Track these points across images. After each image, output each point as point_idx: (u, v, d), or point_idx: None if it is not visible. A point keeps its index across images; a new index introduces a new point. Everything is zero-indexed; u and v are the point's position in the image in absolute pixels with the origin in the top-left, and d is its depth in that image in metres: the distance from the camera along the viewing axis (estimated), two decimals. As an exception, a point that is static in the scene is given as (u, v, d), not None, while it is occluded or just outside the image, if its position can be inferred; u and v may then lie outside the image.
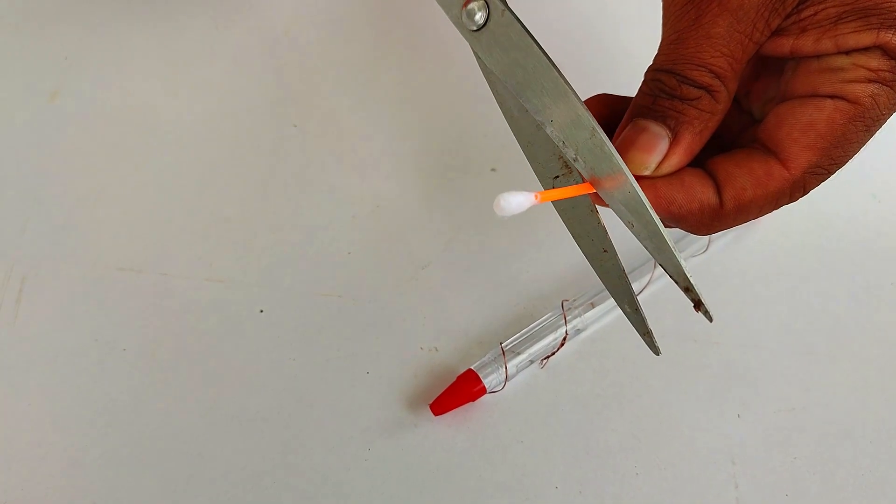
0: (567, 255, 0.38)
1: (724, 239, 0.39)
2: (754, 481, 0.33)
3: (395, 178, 0.40)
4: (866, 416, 0.35)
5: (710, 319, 0.27)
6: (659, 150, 0.27)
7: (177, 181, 0.40)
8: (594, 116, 0.32)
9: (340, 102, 0.43)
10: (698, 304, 0.26)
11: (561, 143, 0.27)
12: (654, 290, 0.37)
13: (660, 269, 0.37)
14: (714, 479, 0.33)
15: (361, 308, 0.37)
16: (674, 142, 0.27)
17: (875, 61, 0.26)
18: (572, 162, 0.27)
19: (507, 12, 0.27)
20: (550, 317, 0.35)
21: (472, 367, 0.34)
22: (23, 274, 0.37)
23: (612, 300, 0.36)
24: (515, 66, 0.27)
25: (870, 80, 0.27)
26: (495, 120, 0.43)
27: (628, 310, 0.29)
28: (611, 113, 0.32)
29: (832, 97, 0.27)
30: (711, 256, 0.39)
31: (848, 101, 0.27)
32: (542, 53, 0.26)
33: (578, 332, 0.36)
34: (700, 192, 0.28)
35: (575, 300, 0.36)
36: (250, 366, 0.35)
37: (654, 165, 0.27)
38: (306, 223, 0.39)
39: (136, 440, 0.33)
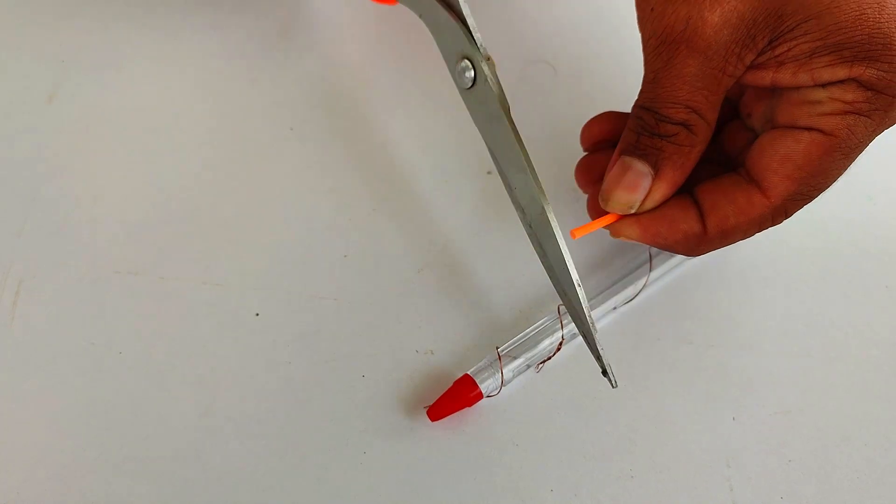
0: (563, 258, 0.38)
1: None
2: (749, 484, 0.33)
3: (390, 181, 0.40)
4: (862, 418, 0.35)
5: (614, 386, 0.30)
6: (642, 187, 0.29)
7: (173, 184, 0.40)
8: (602, 133, 0.34)
9: (336, 105, 0.43)
10: (604, 373, 0.30)
11: (521, 207, 0.30)
12: (649, 293, 0.37)
13: (655, 273, 0.37)
14: (709, 482, 0.33)
15: (357, 311, 0.37)
16: (656, 178, 0.29)
17: (851, 94, 0.27)
18: (529, 226, 0.30)
19: (487, 82, 0.29)
20: (547, 321, 0.35)
21: (468, 373, 0.34)
22: (20, 276, 0.37)
23: (607, 305, 0.36)
24: (490, 133, 0.30)
25: (846, 112, 0.27)
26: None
27: (586, 338, 0.30)
28: (617, 129, 0.33)
29: (809, 129, 0.28)
30: (707, 259, 0.39)
31: (824, 133, 0.28)
32: (511, 130, 0.29)
33: (575, 336, 0.36)
34: (682, 222, 0.30)
35: (571, 303, 0.36)
36: (246, 368, 0.35)
37: (637, 204, 0.30)
38: (302, 226, 0.39)
39: (132, 443, 0.33)
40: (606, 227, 0.31)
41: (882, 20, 0.26)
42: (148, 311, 0.36)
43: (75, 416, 0.34)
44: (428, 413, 0.33)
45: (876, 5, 0.26)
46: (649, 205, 0.30)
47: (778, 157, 0.29)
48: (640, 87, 0.30)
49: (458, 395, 0.33)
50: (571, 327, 0.35)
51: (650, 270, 0.36)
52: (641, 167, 0.29)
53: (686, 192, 0.31)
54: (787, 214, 0.30)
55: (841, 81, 0.27)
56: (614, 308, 0.36)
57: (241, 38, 0.45)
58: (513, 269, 0.38)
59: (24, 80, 0.43)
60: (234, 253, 0.38)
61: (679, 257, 0.38)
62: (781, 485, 0.33)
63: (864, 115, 0.27)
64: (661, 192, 0.30)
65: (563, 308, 0.35)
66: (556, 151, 0.42)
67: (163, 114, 0.42)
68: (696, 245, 0.31)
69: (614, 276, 0.37)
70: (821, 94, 0.28)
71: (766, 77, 0.29)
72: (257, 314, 0.36)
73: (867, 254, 0.39)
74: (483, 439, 0.34)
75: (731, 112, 0.34)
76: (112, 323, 0.36)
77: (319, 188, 0.40)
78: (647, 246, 0.38)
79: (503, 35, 0.46)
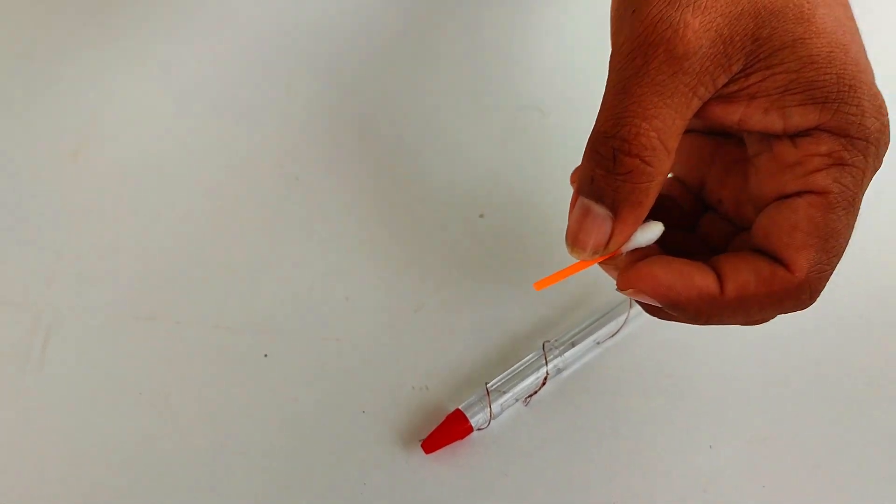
0: (549, 298, 0.41)
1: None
2: (726, 509, 0.36)
3: (387, 226, 0.43)
4: (834, 445, 0.37)
5: None
6: (604, 231, 0.28)
7: (188, 234, 0.43)
8: None
9: (339, 154, 0.46)
10: None
11: None
12: (631, 328, 0.39)
13: (636, 309, 0.39)
14: (688, 508, 0.36)
15: (358, 350, 0.39)
16: (616, 220, 0.28)
17: (824, 145, 0.27)
18: None
19: None
20: (534, 356, 0.38)
21: (459, 407, 0.36)
22: (49, 323, 0.40)
23: (590, 340, 0.38)
24: None
25: (829, 166, 0.27)
26: (482, 167, 0.46)
27: None
28: None
29: (800, 194, 0.27)
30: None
31: (816, 193, 0.27)
32: None
33: (559, 371, 0.38)
34: (699, 279, 0.28)
35: (556, 340, 0.38)
36: (256, 406, 0.38)
37: (601, 249, 0.29)
38: (307, 271, 0.42)
39: (151, 476, 0.36)
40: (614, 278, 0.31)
41: (848, 62, 0.26)
42: (165, 353, 0.39)
43: (99, 452, 0.37)
44: (422, 446, 0.36)
45: (841, 48, 0.26)
46: (613, 247, 0.29)
47: (785, 231, 0.27)
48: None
49: (449, 429, 0.36)
50: (556, 363, 0.38)
51: (630, 307, 0.39)
52: (599, 210, 0.28)
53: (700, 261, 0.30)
54: (812, 294, 0.28)
55: (809, 134, 0.27)
56: (597, 343, 0.39)
57: (249, 94, 0.48)
58: (502, 308, 0.40)
59: (50, 138, 0.46)
60: (244, 298, 0.41)
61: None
62: (756, 509, 0.35)
63: (848, 165, 0.27)
64: (624, 234, 0.29)
65: (547, 345, 0.38)
66: (545, 192, 0.44)
67: (178, 168, 0.45)
68: (708, 307, 0.28)
69: (597, 312, 0.39)
70: (794, 154, 0.27)
71: (735, 112, 0.28)
72: (266, 355, 0.39)
73: (839, 286, 0.41)
74: (474, 470, 0.36)
75: (701, 206, 0.34)
76: (132, 365, 0.39)
77: (323, 234, 0.43)
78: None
79: (495, 81, 0.49)
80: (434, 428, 0.36)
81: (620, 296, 0.39)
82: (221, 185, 0.45)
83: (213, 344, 0.39)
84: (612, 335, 0.39)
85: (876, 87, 0.27)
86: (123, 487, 0.36)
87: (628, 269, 0.29)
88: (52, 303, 0.41)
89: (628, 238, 0.29)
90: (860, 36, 0.28)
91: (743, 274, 0.28)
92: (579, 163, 0.45)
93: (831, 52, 0.26)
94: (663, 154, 0.27)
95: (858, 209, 0.28)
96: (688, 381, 0.38)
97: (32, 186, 0.44)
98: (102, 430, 0.37)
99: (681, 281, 0.28)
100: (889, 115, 0.27)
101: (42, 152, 0.46)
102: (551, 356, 0.38)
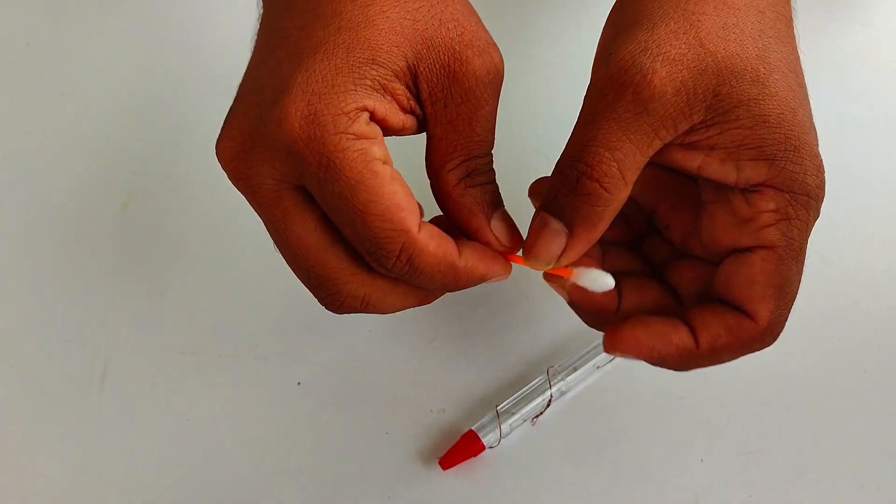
0: (554, 327, 0.45)
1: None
2: (716, 517, 0.39)
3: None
4: (815, 458, 0.41)
5: None
6: (558, 245, 0.30)
7: (228, 275, 0.47)
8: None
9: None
10: None
11: None
12: (628, 353, 0.43)
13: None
14: (681, 516, 0.39)
15: (381, 377, 0.44)
16: (570, 236, 0.30)
17: (772, 201, 0.30)
18: None
19: None
20: (539, 381, 0.42)
21: (472, 428, 0.40)
22: (106, 358, 0.45)
23: (591, 364, 0.42)
24: None
25: (778, 221, 0.30)
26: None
27: None
28: None
29: (752, 249, 0.30)
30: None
31: (767, 248, 0.30)
32: None
33: (563, 393, 0.42)
34: (675, 338, 0.31)
35: (559, 365, 0.42)
36: (291, 429, 0.42)
37: (553, 261, 0.31)
38: (334, 307, 0.46)
39: (198, 493, 0.41)
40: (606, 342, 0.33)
41: (795, 124, 0.29)
42: (209, 383, 0.44)
43: (152, 472, 0.41)
44: (440, 462, 0.40)
45: (790, 111, 0.29)
46: (564, 262, 0.31)
47: (744, 284, 0.30)
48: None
49: (464, 448, 0.40)
50: (559, 386, 0.42)
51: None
52: (556, 226, 0.30)
53: (675, 315, 0.32)
54: (774, 335, 0.31)
55: (757, 190, 0.30)
56: (597, 367, 0.43)
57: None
58: (510, 336, 0.45)
59: (103, 190, 0.51)
60: (279, 332, 0.45)
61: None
62: (743, 517, 0.39)
63: (794, 219, 0.29)
64: (575, 250, 0.31)
65: (551, 370, 0.42)
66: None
67: (216, 215, 0.50)
68: (687, 360, 0.31)
69: (596, 339, 0.43)
70: (747, 210, 0.30)
71: (696, 159, 0.30)
72: (299, 383, 0.44)
73: (820, 309, 0.45)
74: (487, 484, 0.40)
75: (649, 227, 0.37)
76: (180, 394, 0.44)
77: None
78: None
79: (504, 129, 0.53)
80: (450, 447, 0.40)
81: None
82: (258, 233, 0.49)
83: (251, 374, 0.44)
84: (611, 360, 0.43)
85: (817, 148, 0.30)
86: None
87: (613, 332, 0.32)
88: (108, 341, 0.45)
89: (578, 255, 0.31)
90: (808, 102, 0.32)
91: (713, 327, 0.31)
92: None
93: (781, 113, 0.29)
94: (621, 184, 0.29)
95: (805, 256, 0.31)
96: (680, 401, 0.42)
97: (89, 234, 0.49)
98: (155, 453, 0.42)
99: (661, 341, 0.31)
100: (826, 173, 0.30)
101: (97, 203, 0.51)
102: (555, 380, 0.42)
